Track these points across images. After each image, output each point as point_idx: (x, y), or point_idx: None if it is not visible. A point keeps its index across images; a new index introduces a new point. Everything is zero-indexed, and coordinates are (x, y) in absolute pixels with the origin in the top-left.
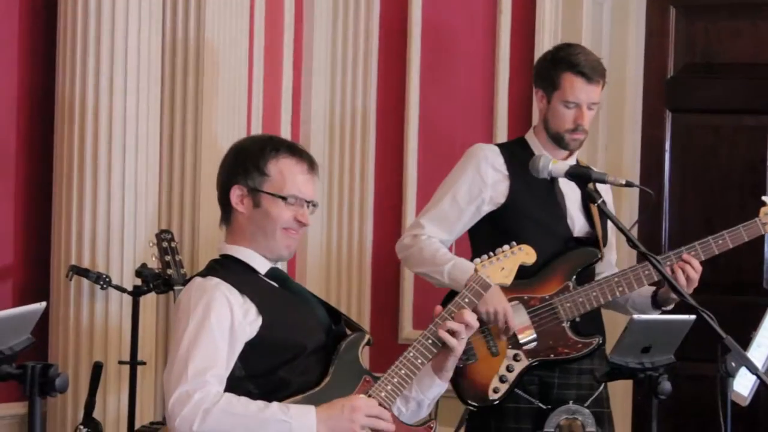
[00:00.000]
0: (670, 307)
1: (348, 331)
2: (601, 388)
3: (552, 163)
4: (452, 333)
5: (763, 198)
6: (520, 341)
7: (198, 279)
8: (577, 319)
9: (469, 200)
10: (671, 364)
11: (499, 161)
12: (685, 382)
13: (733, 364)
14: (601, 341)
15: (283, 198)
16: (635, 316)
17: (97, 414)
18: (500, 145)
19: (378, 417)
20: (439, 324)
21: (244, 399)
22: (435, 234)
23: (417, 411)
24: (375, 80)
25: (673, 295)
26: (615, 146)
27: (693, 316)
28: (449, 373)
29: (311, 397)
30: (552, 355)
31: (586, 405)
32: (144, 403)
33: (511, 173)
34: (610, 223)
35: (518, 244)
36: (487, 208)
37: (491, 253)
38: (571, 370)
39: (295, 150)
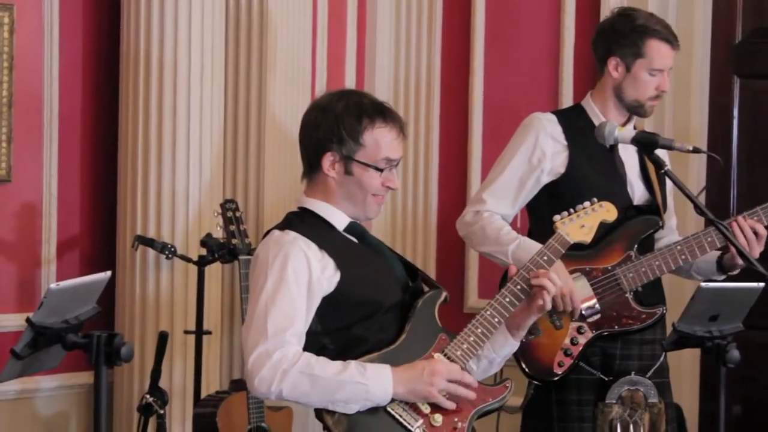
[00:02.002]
0: (735, 272)
1: (425, 288)
2: (663, 358)
3: (618, 129)
4: (541, 285)
5: None
6: (584, 313)
7: (276, 232)
8: (640, 289)
9: (529, 172)
10: (739, 332)
11: (558, 130)
12: (754, 351)
13: None
14: (664, 311)
15: (377, 168)
16: (703, 284)
17: (163, 383)
18: (557, 113)
19: (459, 382)
20: (517, 282)
21: (322, 359)
22: (497, 209)
23: (488, 368)
24: (439, 50)
25: (739, 261)
26: (682, 113)
27: (761, 284)
28: (524, 332)
29: (387, 355)
30: (616, 326)
31: (647, 375)
32: (210, 373)
33: (570, 142)
34: (669, 189)
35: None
36: (546, 179)
37: (571, 210)
38: (633, 341)
39: (387, 116)
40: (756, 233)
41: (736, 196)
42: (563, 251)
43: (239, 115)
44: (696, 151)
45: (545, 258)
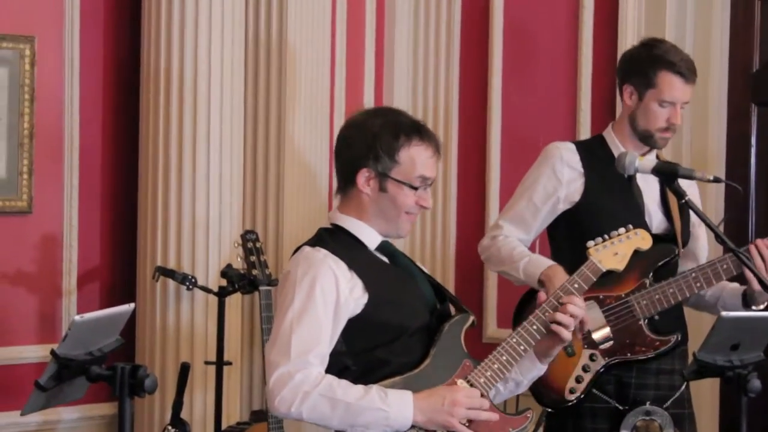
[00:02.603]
0: (762, 307)
1: (453, 311)
2: (683, 388)
3: (638, 160)
4: (561, 323)
5: None
6: (596, 340)
7: (306, 248)
8: (656, 317)
9: (545, 199)
10: (761, 362)
11: (575, 159)
12: None
13: None
14: (679, 338)
15: (411, 186)
16: (723, 313)
17: (183, 414)
18: (576, 143)
19: (479, 409)
20: (546, 310)
21: (344, 383)
22: (513, 234)
23: (514, 390)
24: (457, 79)
25: (764, 294)
26: (700, 141)
27: None
28: (551, 358)
29: (409, 379)
30: (629, 354)
31: (665, 406)
32: (230, 403)
33: (587, 170)
34: (694, 219)
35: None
36: (562, 207)
37: (606, 236)
38: (649, 370)
39: (424, 135)
40: None
41: (754, 225)
42: (594, 279)
43: (258, 145)
44: (717, 180)
45: (576, 285)
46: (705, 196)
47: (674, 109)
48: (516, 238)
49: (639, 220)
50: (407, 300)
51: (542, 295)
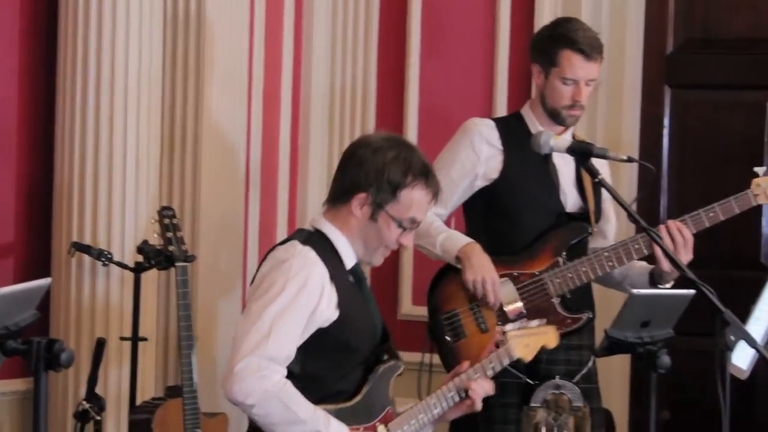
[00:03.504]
0: (668, 285)
1: (388, 354)
2: (591, 363)
3: (553, 138)
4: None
5: (756, 169)
6: (509, 317)
7: (299, 245)
8: (568, 295)
9: (463, 175)
10: (670, 338)
11: (494, 136)
12: (684, 357)
13: (732, 337)
14: (590, 316)
15: (401, 225)
16: (634, 291)
17: (98, 390)
18: (496, 120)
19: None
20: (462, 381)
21: (299, 395)
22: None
23: None
24: (375, 56)
25: (667, 268)
26: (614, 122)
27: (692, 291)
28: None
29: (340, 411)
30: None
31: (574, 380)
32: (145, 379)
33: (506, 148)
34: (605, 198)
35: (548, 323)
36: (480, 183)
37: (522, 326)
38: (559, 346)
39: (430, 180)
40: (683, 238)
41: (666, 205)
42: (506, 364)
43: (176, 122)
44: (630, 160)
45: (492, 365)
46: (618, 177)
47: (577, 87)
48: (432, 213)
49: (554, 199)
50: (366, 328)
51: (465, 365)
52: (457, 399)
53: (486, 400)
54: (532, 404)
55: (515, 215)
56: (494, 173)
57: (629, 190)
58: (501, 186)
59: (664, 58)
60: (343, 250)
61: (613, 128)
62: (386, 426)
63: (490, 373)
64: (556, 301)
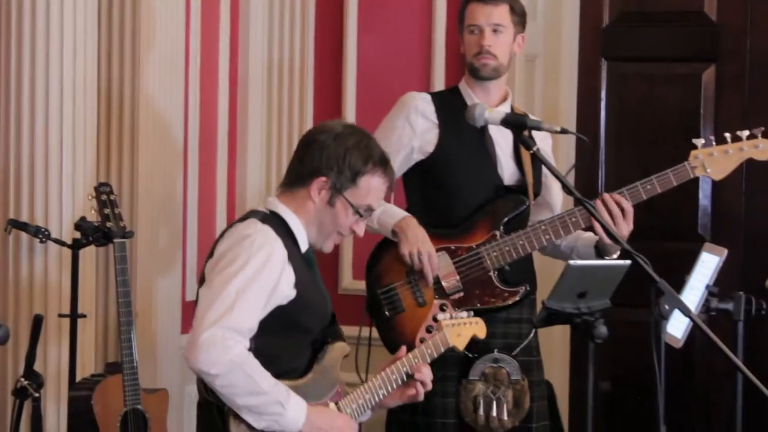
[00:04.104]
0: (615, 257)
1: (334, 335)
2: (531, 336)
3: (487, 111)
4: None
5: (694, 141)
6: (446, 291)
7: (258, 223)
8: (506, 268)
9: (399, 148)
10: (607, 309)
11: (430, 109)
12: (622, 328)
13: (667, 306)
14: (528, 289)
15: (358, 212)
16: (571, 262)
17: (37, 367)
18: (432, 94)
19: None
20: (404, 365)
21: (261, 367)
22: None
23: None
24: (312, 30)
25: (615, 245)
26: (551, 95)
27: (628, 261)
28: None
29: (296, 388)
30: (478, 304)
31: (514, 354)
32: (85, 356)
33: (441, 121)
34: (546, 169)
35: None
36: (417, 157)
37: (454, 315)
38: (498, 319)
39: (388, 170)
40: (622, 209)
41: (604, 177)
42: (443, 350)
43: (113, 97)
44: (563, 131)
45: (429, 351)
46: (557, 149)
47: (481, 33)
48: None
49: (491, 171)
50: (319, 310)
51: (403, 351)
52: (400, 383)
53: None
54: (471, 377)
55: (452, 189)
56: (430, 147)
57: (567, 163)
58: (437, 160)
59: (600, 31)
60: (299, 234)
61: (551, 101)
62: (336, 404)
63: (428, 360)
64: (493, 274)
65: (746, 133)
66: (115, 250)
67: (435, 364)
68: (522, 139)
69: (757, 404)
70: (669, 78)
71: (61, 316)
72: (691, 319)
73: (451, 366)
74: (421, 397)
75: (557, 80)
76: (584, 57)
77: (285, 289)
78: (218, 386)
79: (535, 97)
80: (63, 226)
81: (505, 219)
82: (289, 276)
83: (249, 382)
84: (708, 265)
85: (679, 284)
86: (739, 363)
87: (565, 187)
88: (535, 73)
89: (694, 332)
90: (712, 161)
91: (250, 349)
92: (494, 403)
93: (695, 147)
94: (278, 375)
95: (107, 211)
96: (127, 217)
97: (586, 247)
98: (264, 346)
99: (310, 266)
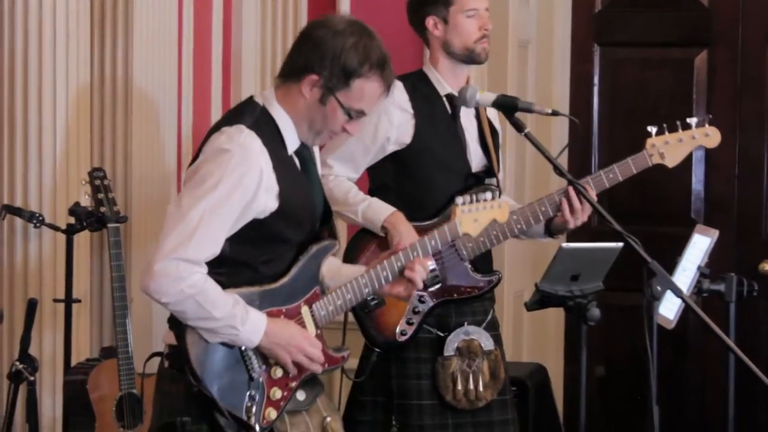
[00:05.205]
0: (562, 235)
1: (325, 234)
2: (492, 312)
3: (479, 93)
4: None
5: (649, 128)
6: (426, 283)
7: (245, 130)
8: (478, 259)
9: (375, 140)
10: (600, 292)
11: (404, 99)
12: (615, 311)
13: (659, 287)
14: (500, 276)
15: (349, 114)
16: (564, 245)
17: (33, 352)
18: (404, 79)
19: (312, 359)
20: (399, 260)
21: (218, 293)
22: (342, 173)
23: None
24: (306, 15)
25: (564, 226)
26: (544, 80)
27: (620, 244)
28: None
29: (265, 293)
30: (455, 295)
31: (482, 327)
32: (80, 340)
33: (416, 111)
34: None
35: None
36: (392, 147)
37: (474, 198)
38: (466, 300)
39: (385, 72)
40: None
41: (597, 162)
42: (451, 241)
43: (106, 83)
44: (555, 113)
45: (433, 243)
46: (549, 133)
47: (481, 17)
48: (345, 177)
49: (462, 159)
50: (304, 215)
51: (402, 244)
52: (390, 279)
53: (400, 356)
54: (446, 354)
55: (426, 179)
56: (407, 138)
57: (560, 147)
58: (413, 150)
59: (592, 16)
60: (288, 134)
61: (544, 86)
62: (310, 306)
63: (429, 252)
64: (468, 265)
65: (695, 120)
66: (109, 234)
67: (410, 348)
68: (513, 121)
69: (750, 385)
70: (661, 63)
71: (56, 301)
72: (683, 299)
73: (425, 348)
74: (407, 296)
75: (550, 65)
76: (577, 42)
77: (263, 203)
78: (170, 310)
79: (528, 83)
80: (57, 212)
81: None
82: (270, 188)
83: (200, 310)
84: (700, 246)
85: (672, 268)
86: (732, 344)
87: (556, 169)
88: (528, 59)
89: (687, 314)
90: (668, 149)
91: (219, 258)
92: (470, 376)
93: (648, 133)
94: (252, 281)
95: (101, 195)
96: (121, 201)
97: (537, 226)
98: (234, 254)
99: (304, 165)
